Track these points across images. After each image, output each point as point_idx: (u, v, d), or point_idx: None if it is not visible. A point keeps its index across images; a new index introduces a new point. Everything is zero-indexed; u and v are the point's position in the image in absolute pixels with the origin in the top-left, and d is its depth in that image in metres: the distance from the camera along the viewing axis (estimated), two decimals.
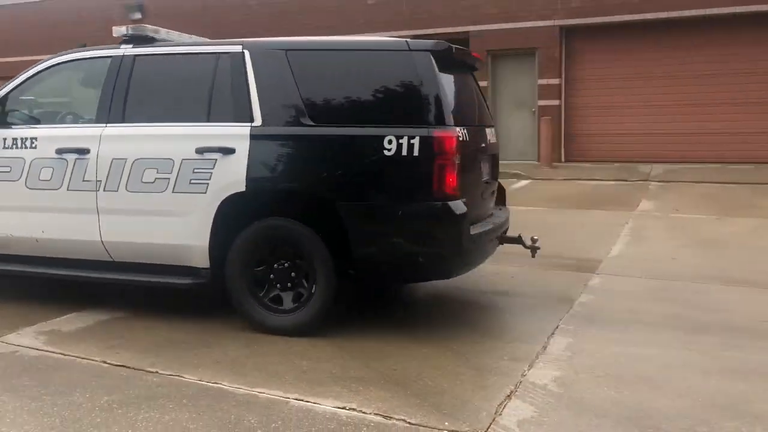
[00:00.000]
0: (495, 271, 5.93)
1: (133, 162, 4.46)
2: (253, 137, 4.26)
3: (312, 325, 4.24)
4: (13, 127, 4.89)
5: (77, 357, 3.94)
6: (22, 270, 4.87)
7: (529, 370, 3.73)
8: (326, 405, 3.28)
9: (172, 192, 4.37)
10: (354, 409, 3.23)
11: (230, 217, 4.29)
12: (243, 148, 4.24)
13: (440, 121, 4.08)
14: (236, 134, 4.29)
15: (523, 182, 13.04)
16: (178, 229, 4.38)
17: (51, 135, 4.78)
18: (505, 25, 15.65)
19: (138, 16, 19.54)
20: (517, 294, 5.31)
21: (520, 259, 6.32)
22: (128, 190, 4.47)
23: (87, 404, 3.29)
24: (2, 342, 4.20)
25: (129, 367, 3.78)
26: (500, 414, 3.19)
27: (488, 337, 4.29)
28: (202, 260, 4.39)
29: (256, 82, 4.36)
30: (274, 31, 17.97)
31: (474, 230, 4.25)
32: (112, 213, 4.55)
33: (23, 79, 5.02)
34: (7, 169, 4.79)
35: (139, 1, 19.50)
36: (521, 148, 15.98)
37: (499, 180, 5.42)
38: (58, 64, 4.99)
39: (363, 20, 17.08)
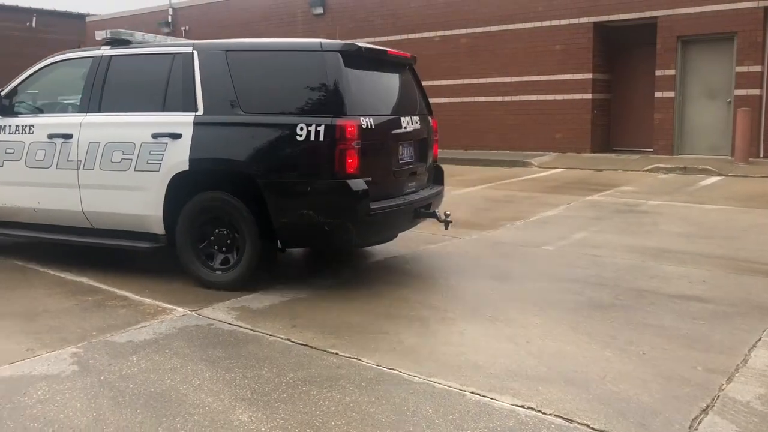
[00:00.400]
0: (683, 273, 5.50)
1: (105, 145, 5.37)
2: (196, 124, 5.07)
3: (241, 281, 5.05)
4: (18, 116, 5.88)
5: (264, 333, 4.17)
6: (26, 234, 5.93)
7: (727, 383, 3.40)
8: (504, 402, 3.20)
9: (134, 170, 5.24)
10: (533, 409, 3.12)
11: (178, 191, 5.12)
12: (188, 133, 5.06)
13: (343, 112, 4.77)
14: (183, 122, 5.11)
15: (713, 179, 12.00)
16: (139, 201, 5.26)
17: (44, 122, 5.74)
18: (699, 8, 14.43)
19: (320, 11, 20.40)
20: (711, 300, 4.87)
21: (710, 262, 5.83)
22: (101, 169, 5.38)
23: (274, 379, 3.47)
24: (200, 315, 4.55)
25: (311, 347, 3.93)
26: (696, 429, 2.93)
27: (679, 344, 3.96)
28: (158, 227, 5.27)
29: (201, 78, 5.18)
30: (451, 21, 17.99)
31: (375, 205, 4.90)
32: (89, 188, 5.47)
33: (26, 75, 6.02)
34: (12, 151, 5.80)
35: None
36: (713, 142, 14.73)
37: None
38: (53, 63, 5.95)
39: (542, 7, 16.56)
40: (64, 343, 3.98)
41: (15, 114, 5.89)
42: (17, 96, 5.99)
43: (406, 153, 5.48)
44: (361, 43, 5.28)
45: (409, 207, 5.40)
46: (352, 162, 4.75)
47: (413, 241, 6.87)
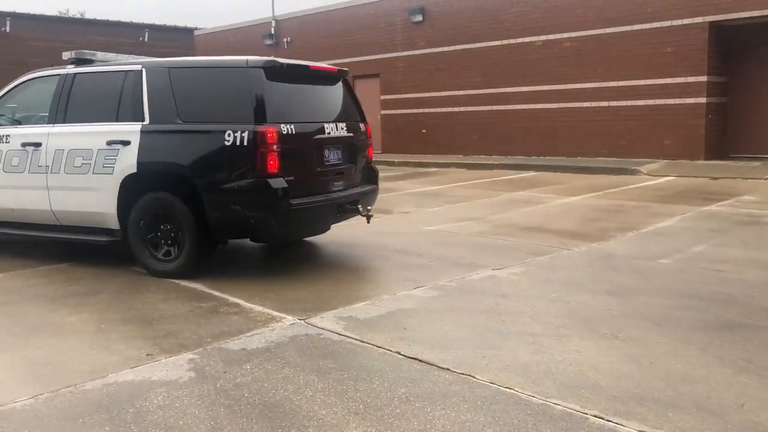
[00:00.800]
0: None
1: (69, 151, 6.09)
2: (143, 132, 5.79)
3: (183, 269, 5.73)
4: None
5: (373, 345, 4.12)
6: (11, 231, 6.65)
7: None
8: (631, 428, 2.99)
9: (92, 173, 5.95)
10: None
11: (129, 191, 5.84)
12: (135, 140, 5.78)
13: (264, 120, 5.42)
14: (132, 130, 5.84)
15: None
16: (97, 200, 5.98)
17: (18, 133, 6.50)
18: None
19: (419, 18, 20.43)
20: None
21: None
22: (65, 173, 6.09)
23: (386, 393, 3.40)
24: (309, 324, 4.56)
25: (421, 361, 3.85)
26: None
27: None
28: (114, 223, 6.01)
29: (147, 92, 5.90)
30: (554, 25, 17.54)
31: (296, 201, 5.52)
32: (56, 189, 6.19)
33: (6, 90, 6.80)
34: None
35: (420, 4, 20.35)
36: None
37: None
38: (28, 80, 6.75)
39: (651, 9, 15.86)
40: (181, 349, 4.08)
41: None
42: None
43: (332, 156, 6.15)
44: (285, 60, 5.90)
45: (332, 203, 6.05)
46: (273, 164, 5.39)
47: (519, 251, 6.67)
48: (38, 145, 6.27)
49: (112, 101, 6.08)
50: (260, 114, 5.43)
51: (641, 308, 4.82)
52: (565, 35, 17.43)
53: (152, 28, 40.71)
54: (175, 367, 3.81)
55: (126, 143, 5.81)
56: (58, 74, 6.48)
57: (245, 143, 5.37)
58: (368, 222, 6.60)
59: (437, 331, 4.37)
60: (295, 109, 5.89)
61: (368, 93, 22.49)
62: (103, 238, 6.12)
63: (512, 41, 18.51)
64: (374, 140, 21.69)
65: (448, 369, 3.72)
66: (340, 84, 6.61)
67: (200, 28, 30.88)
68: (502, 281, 5.65)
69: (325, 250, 7.17)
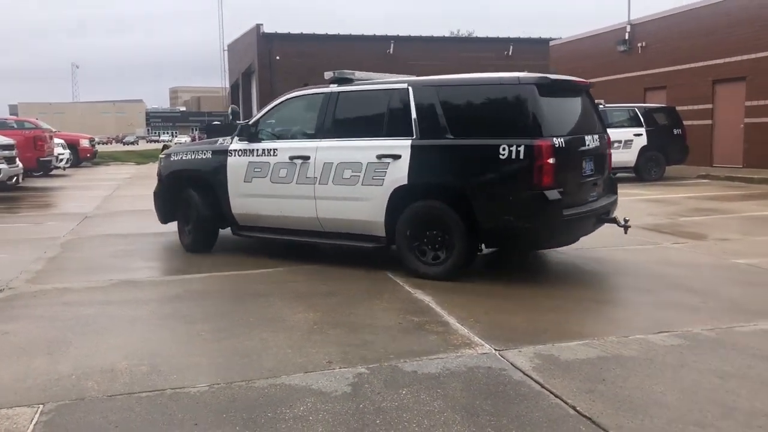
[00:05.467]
0: None
1: (337, 164, 6.47)
2: (413, 147, 6.10)
3: (451, 273, 6.00)
4: (262, 141, 7.12)
5: (552, 393, 3.58)
6: (269, 236, 7.24)
7: None
8: None
9: (362, 185, 6.32)
10: None
11: (397, 201, 6.17)
12: (406, 154, 6.11)
13: (539, 134, 5.59)
14: (402, 145, 6.16)
15: None
16: (365, 209, 6.35)
17: (286, 147, 6.93)
18: None
19: None
20: None
21: None
22: (334, 184, 6.50)
23: None
24: (501, 356, 4.16)
25: (594, 423, 3.21)
26: None
27: None
28: (380, 230, 6.36)
29: (415, 109, 6.17)
30: None
31: (567, 212, 5.71)
32: (323, 199, 6.59)
33: (268, 108, 7.31)
34: (259, 170, 7.03)
35: None
36: None
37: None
38: (289, 98, 7.18)
39: None
40: (360, 362, 4.09)
41: (259, 140, 7.11)
42: (261, 125, 7.20)
43: (588, 167, 6.22)
44: (553, 75, 6.10)
45: (593, 213, 6.18)
46: (548, 176, 5.56)
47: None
48: (306, 158, 6.68)
49: (379, 118, 6.45)
50: (536, 128, 5.62)
51: None
52: None
53: (516, 41, 42.08)
54: (340, 378, 3.83)
55: (396, 157, 6.14)
56: (322, 93, 6.88)
57: (521, 156, 5.57)
58: (626, 233, 6.62)
59: (642, 391, 3.59)
60: (561, 122, 6.03)
61: (729, 99, 19.79)
62: (369, 244, 6.50)
63: None
64: (734, 152, 19.13)
65: None
66: (586, 96, 6.67)
67: (555, 39, 30.77)
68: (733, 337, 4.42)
69: (582, 271, 6.50)
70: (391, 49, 40.59)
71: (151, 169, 25.01)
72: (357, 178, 6.36)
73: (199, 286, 6.20)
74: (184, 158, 7.74)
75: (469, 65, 41.10)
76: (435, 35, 42.57)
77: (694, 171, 18.25)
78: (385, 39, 40.87)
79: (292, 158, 6.80)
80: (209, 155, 7.44)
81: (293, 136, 7.18)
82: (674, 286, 5.88)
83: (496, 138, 5.70)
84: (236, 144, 7.24)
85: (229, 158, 7.23)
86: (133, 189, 16.90)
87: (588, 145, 6.18)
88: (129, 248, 8.16)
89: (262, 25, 39.50)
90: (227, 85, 58.21)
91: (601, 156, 6.51)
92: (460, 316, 5.00)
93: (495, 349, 4.28)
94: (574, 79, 6.57)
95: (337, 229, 6.70)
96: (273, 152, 6.99)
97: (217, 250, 7.77)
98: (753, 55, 18.88)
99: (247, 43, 43.32)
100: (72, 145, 26.21)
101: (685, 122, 17.48)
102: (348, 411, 3.39)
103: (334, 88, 6.84)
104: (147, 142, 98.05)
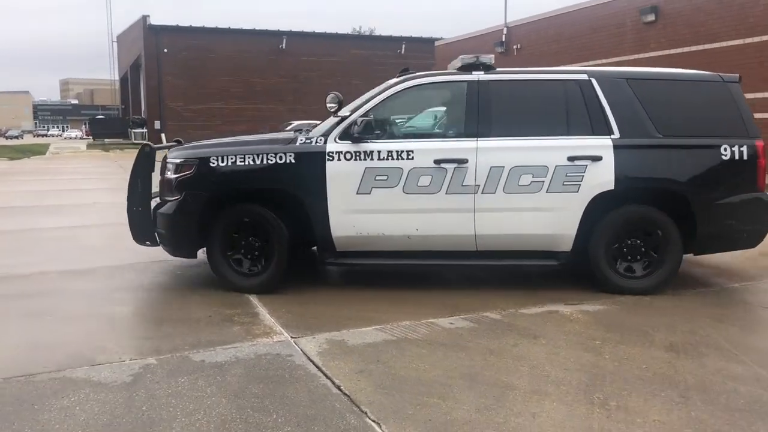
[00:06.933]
0: None
1: (511, 169, 5.39)
2: (616, 147, 5.42)
3: (658, 286, 5.50)
4: (369, 141, 5.51)
5: (324, 374, 3.81)
6: (385, 261, 5.76)
7: None
8: None
9: (546, 192, 5.38)
10: None
11: (595, 209, 5.42)
12: (608, 155, 5.40)
13: (756, 133, 5.56)
14: (602, 145, 5.43)
15: None
16: (551, 221, 5.43)
17: (427, 148, 5.52)
18: None
19: (651, 18, 18.60)
20: None
21: None
22: (505, 192, 5.40)
23: (275, 425, 3.11)
24: (295, 343, 4.36)
25: (352, 401, 3.46)
26: None
27: None
28: (566, 245, 5.51)
29: (608, 104, 5.52)
30: None
31: None
32: (487, 211, 5.44)
33: (376, 100, 5.67)
34: (385, 178, 5.46)
35: (653, 3, 18.47)
36: None
37: None
38: (410, 87, 5.71)
39: None
40: (153, 353, 4.18)
41: (365, 139, 5.51)
42: (367, 121, 5.54)
43: None
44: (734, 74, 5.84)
45: None
46: (764, 176, 5.49)
47: None
48: (463, 161, 5.42)
49: (554, 112, 5.61)
50: (749, 128, 5.57)
51: None
52: None
53: (408, 40, 42.88)
54: (126, 370, 3.91)
55: (596, 159, 5.38)
56: (464, 80, 5.66)
57: (744, 158, 5.46)
58: None
59: (408, 370, 3.89)
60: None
61: None
62: (548, 262, 5.61)
63: (760, 39, 15.91)
64: None
65: (365, 413, 3.30)
66: None
67: (439, 39, 31.64)
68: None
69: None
70: (284, 44, 40.45)
71: (26, 166, 23.94)
72: (540, 184, 5.37)
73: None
74: (241, 163, 5.55)
75: (363, 62, 41.72)
76: (328, 31, 42.62)
77: None
78: (278, 34, 40.68)
79: (438, 162, 5.43)
80: (291, 159, 5.51)
81: (427, 135, 6.01)
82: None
83: (714, 138, 5.49)
84: (338, 144, 5.53)
85: (328, 163, 5.48)
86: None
87: None
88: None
89: (148, 16, 38.43)
90: (117, 78, 56.14)
91: None
92: (274, 308, 5.16)
93: (291, 337, 4.48)
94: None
95: (499, 247, 5.58)
96: (407, 155, 5.47)
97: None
98: (610, 60, 20.17)
99: (134, 35, 41.98)
100: None
101: None
102: (118, 400, 3.49)
103: (479, 75, 5.66)
104: (34, 136, 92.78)
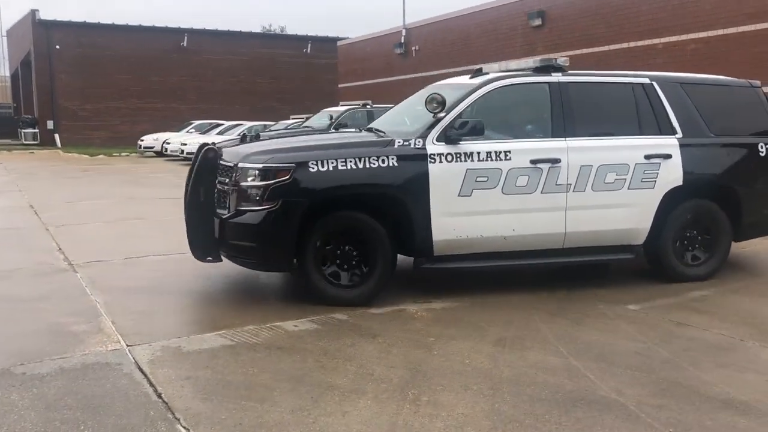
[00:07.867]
0: None
1: (598, 167, 5.71)
2: (682, 146, 6.00)
3: (709, 275, 6.16)
4: (470, 142, 5.47)
5: (150, 381, 3.78)
6: (482, 264, 5.69)
7: None
8: None
9: (628, 189, 5.79)
10: None
11: (667, 203, 5.92)
12: (676, 153, 5.96)
13: None
14: (671, 144, 5.99)
15: None
16: (630, 216, 5.86)
17: (524, 148, 5.64)
18: None
19: (538, 22, 19.33)
20: None
21: None
22: (593, 190, 5.71)
23: None
24: (129, 352, 4.29)
25: (168, 406, 3.43)
26: None
27: None
28: (640, 238, 5.96)
29: (670, 106, 6.09)
30: (673, 26, 15.62)
31: None
32: (577, 209, 5.70)
33: (467, 101, 5.63)
34: (485, 179, 5.49)
35: (539, 8, 19.21)
36: None
37: None
38: (498, 88, 5.76)
39: None
40: None
41: (457, 141, 5.45)
42: (460, 122, 5.51)
43: None
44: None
45: None
46: None
47: None
48: (556, 161, 5.60)
49: (627, 113, 6.09)
50: None
51: None
52: (691, 36, 15.50)
53: (313, 39, 42.72)
54: None
55: (667, 157, 5.91)
56: (545, 82, 5.84)
57: None
58: None
59: (236, 375, 3.91)
60: None
61: None
62: (625, 256, 5.98)
63: (636, 44, 16.84)
64: None
65: (178, 420, 3.29)
66: None
67: (342, 38, 31.74)
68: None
69: None
70: (185, 42, 39.43)
71: None
72: (622, 181, 5.76)
73: None
74: (343, 167, 5.21)
75: (268, 61, 41.26)
76: (232, 29, 41.88)
77: None
78: (179, 31, 39.57)
79: (534, 162, 5.56)
80: (394, 162, 5.31)
81: (516, 135, 5.88)
82: None
83: (747, 136, 6.35)
84: (437, 146, 5.44)
85: (430, 165, 5.37)
86: None
87: None
88: None
89: (37, 11, 36.51)
90: (8, 74, 53.11)
91: None
92: (117, 316, 5.04)
93: (127, 345, 4.40)
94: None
95: (583, 243, 5.85)
96: (505, 155, 5.52)
97: None
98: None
99: (23, 30, 39.86)
100: None
101: None
102: None
103: (559, 77, 5.86)
104: None
